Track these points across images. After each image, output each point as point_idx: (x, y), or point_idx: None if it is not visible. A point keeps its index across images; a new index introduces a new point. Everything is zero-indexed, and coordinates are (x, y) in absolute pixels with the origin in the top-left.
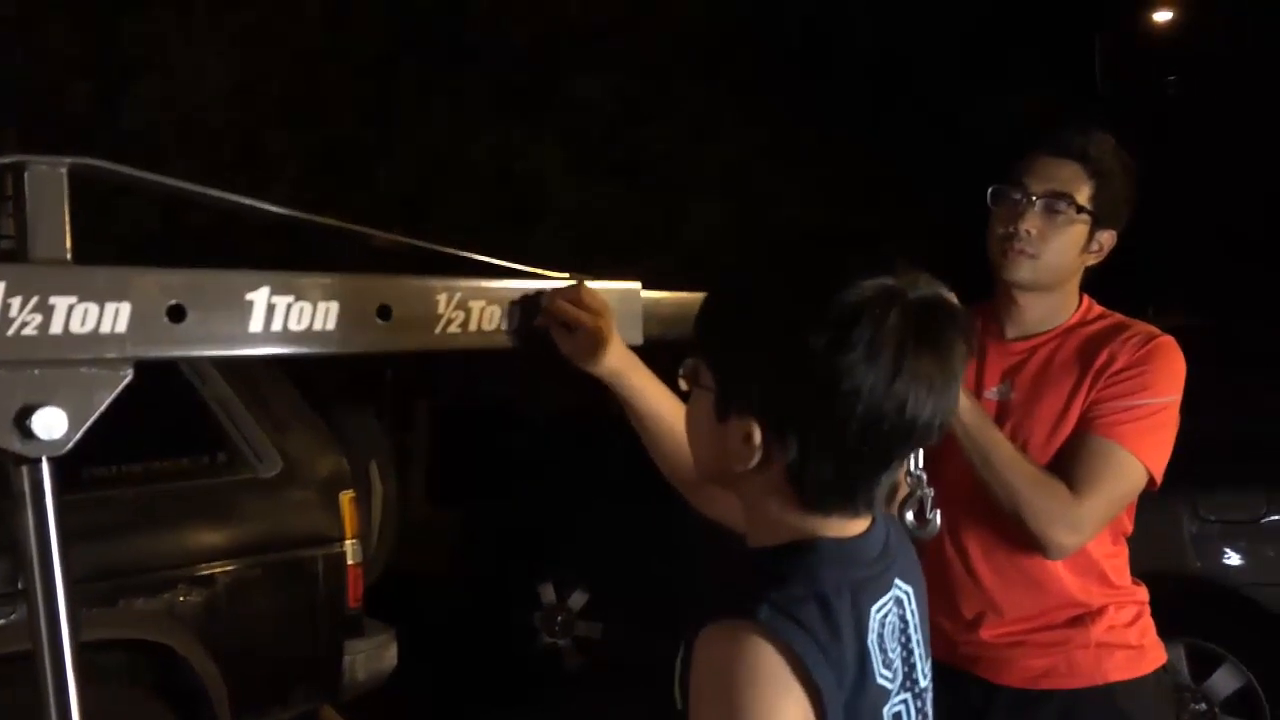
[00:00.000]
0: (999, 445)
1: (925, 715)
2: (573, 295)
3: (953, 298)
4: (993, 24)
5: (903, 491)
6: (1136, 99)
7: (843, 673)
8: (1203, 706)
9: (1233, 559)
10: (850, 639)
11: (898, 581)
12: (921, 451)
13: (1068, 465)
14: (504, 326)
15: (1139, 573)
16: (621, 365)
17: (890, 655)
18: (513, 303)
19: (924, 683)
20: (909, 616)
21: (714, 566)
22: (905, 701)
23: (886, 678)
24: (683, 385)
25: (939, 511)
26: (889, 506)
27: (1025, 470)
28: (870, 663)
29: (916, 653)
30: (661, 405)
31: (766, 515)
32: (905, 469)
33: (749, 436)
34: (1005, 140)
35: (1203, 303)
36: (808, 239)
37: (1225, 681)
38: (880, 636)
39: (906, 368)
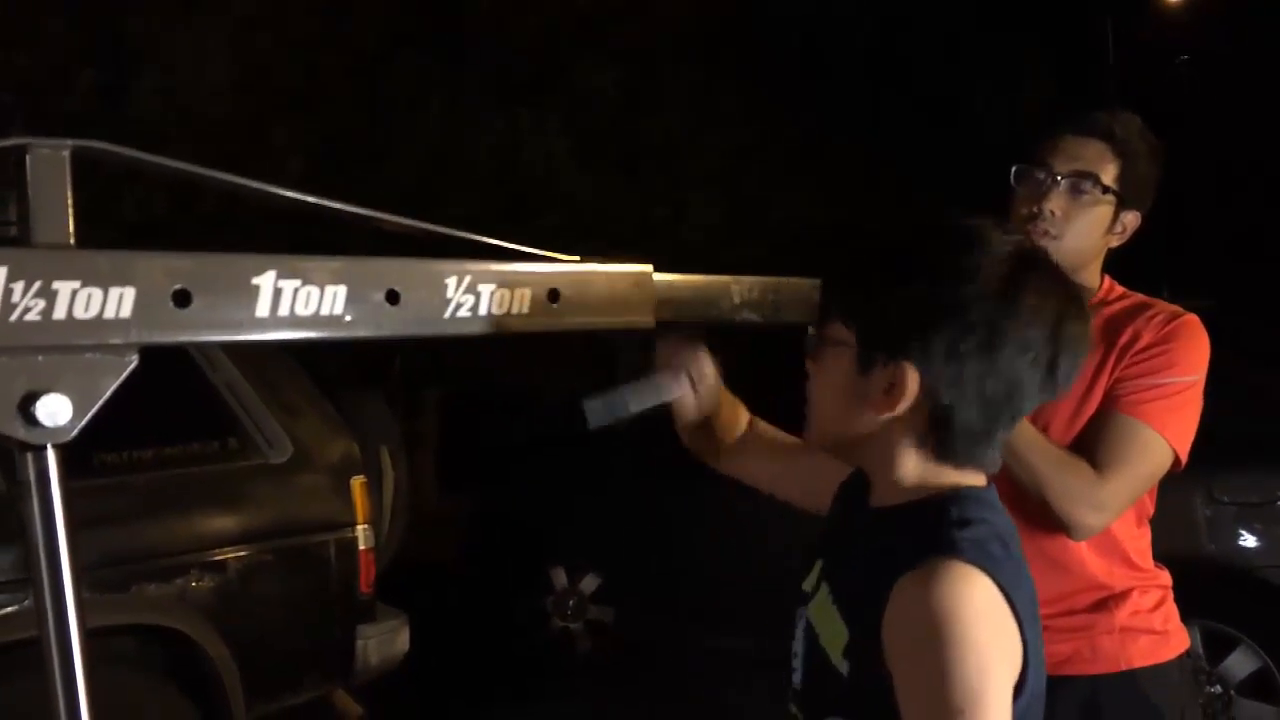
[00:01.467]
0: (1021, 427)
1: None
2: (685, 347)
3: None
4: (997, 12)
5: None
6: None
7: (1032, 612)
8: (1218, 689)
9: (1248, 541)
10: (1028, 584)
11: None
12: None
13: (1092, 444)
14: (514, 310)
15: (1154, 556)
16: (726, 409)
17: None
18: (523, 287)
19: None
20: None
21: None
22: None
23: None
24: (810, 354)
25: None
26: None
27: (1048, 451)
28: (1036, 603)
29: None
30: (739, 426)
31: (904, 470)
32: None
33: (895, 383)
34: (1009, 128)
35: (1217, 286)
36: (919, 214)
37: (1241, 664)
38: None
39: (1062, 321)
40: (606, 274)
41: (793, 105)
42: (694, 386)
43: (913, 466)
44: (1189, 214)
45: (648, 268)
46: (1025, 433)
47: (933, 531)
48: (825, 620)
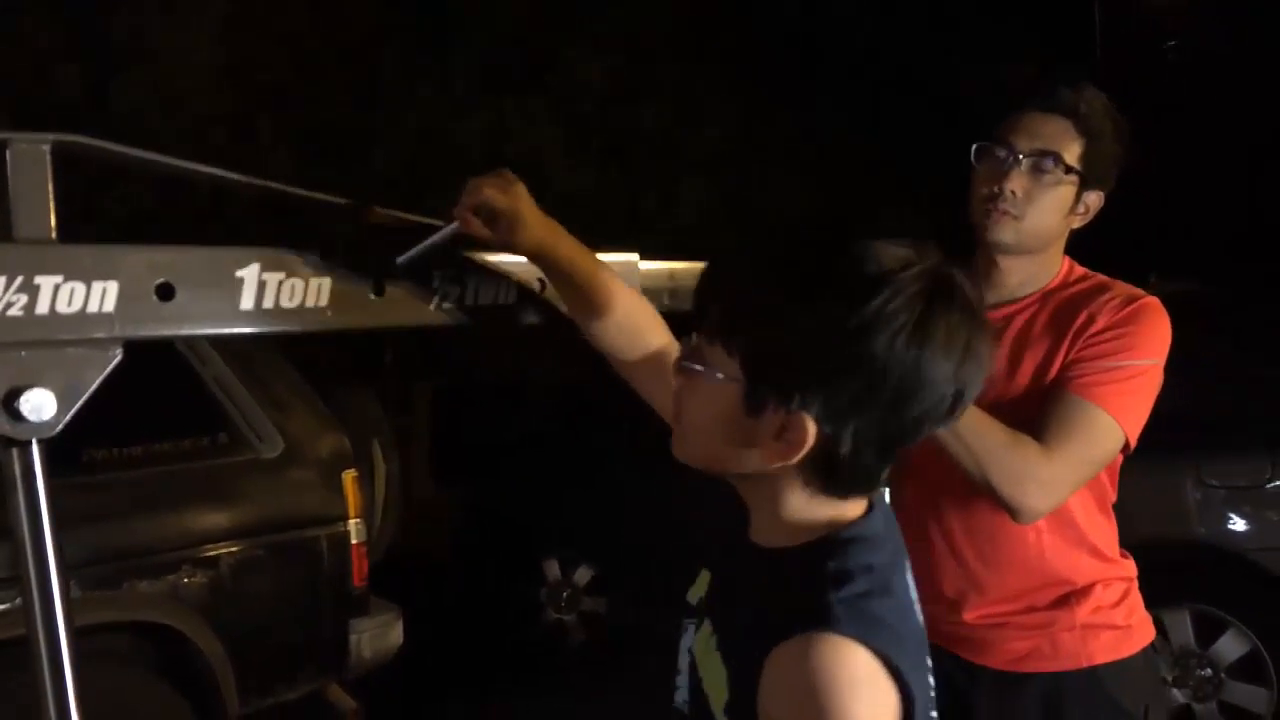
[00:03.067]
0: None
1: None
2: (482, 181)
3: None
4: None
5: None
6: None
7: (920, 653)
8: (1209, 672)
9: (1237, 524)
10: (913, 621)
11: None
12: None
13: (1041, 423)
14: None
15: (1144, 540)
16: (545, 237)
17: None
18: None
19: None
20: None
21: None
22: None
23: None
24: (685, 368)
25: (886, 491)
26: None
27: (992, 433)
28: (924, 640)
29: None
30: (596, 277)
31: (789, 510)
32: None
33: (793, 430)
34: (1000, 116)
35: (1206, 269)
36: (816, 222)
37: (1231, 647)
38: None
39: (969, 354)
40: None
41: (782, 94)
42: (495, 222)
43: (796, 505)
44: (1177, 199)
45: (634, 256)
46: (969, 414)
47: (809, 596)
48: (709, 665)
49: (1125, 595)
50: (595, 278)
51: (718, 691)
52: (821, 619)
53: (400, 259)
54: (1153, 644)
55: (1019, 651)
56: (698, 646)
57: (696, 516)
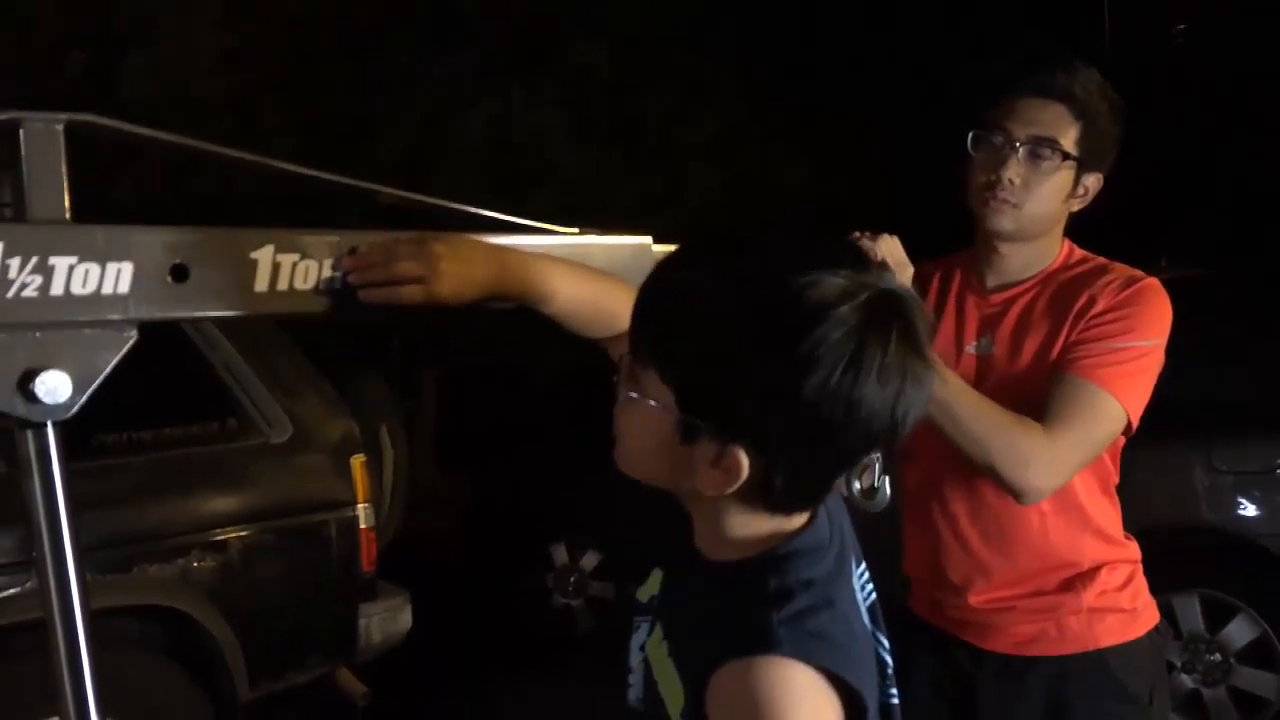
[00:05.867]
0: (962, 394)
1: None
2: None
3: (906, 286)
4: None
5: None
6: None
7: (867, 662)
8: (1218, 657)
9: (1247, 510)
10: (859, 627)
11: (853, 552)
12: None
13: (1043, 405)
14: None
15: (1153, 525)
16: (473, 282)
17: (881, 631)
18: None
19: (863, 611)
20: (869, 584)
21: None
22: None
23: (887, 657)
24: (619, 391)
25: (887, 479)
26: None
27: (993, 416)
28: (879, 648)
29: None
30: (556, 298)
31: (729, 528)
32: None
33: (726, 461)
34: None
35: (1216, 255)
36: (759, 239)
37: (1240, 632)
38: (872, 615)
39: (894, 374)
40: (605, 246)
41: (788, 76)
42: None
43: (738, 523)
44: (1187, 183)
45: (647, 239)
46: (967, 400)
47: (750, 616)
48: (662, 670)
49: (1131, 578)
50: (556, 299)
51: (674, 697)
52: (762, 641)
53: None
54: (1157, 627)
55: (1025, 635)
56: (650, 649)
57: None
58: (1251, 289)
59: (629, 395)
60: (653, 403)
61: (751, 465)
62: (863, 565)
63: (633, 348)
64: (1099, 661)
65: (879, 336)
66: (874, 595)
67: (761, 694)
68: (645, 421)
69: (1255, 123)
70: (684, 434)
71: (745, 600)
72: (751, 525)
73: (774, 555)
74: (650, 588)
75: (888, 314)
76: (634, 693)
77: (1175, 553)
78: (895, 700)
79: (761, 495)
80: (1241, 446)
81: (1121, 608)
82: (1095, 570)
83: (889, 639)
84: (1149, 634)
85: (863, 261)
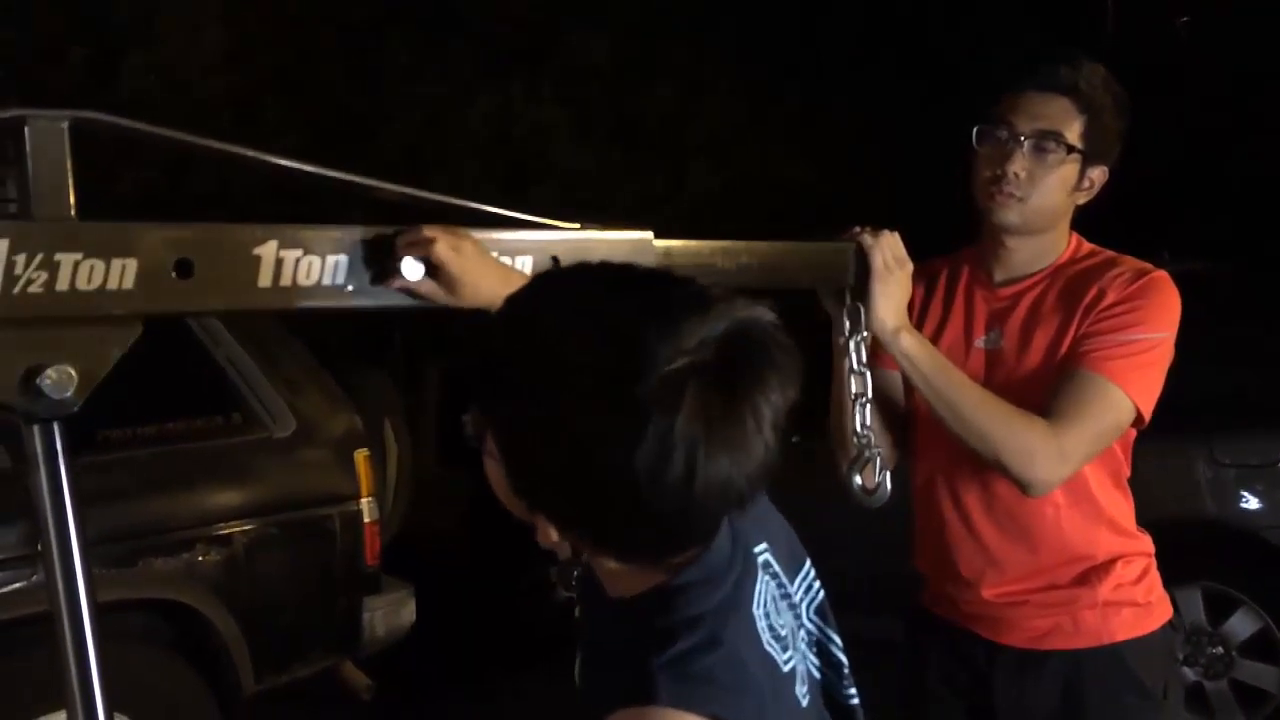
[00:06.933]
0: (964, 388)
1: (816, 638)
2: (432, 233)
3: (766, 314)
4: None
5: (850, 453)
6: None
7: (760, 696)
8: (1220, 650)
9: (1249, 503)
10: (753, 659)
11: (757, 550)
12: (869, 407)
13: (1051, 398)
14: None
15: (1155, 518)
16: (496, 294)
17: (779, 628)
18: (524, 254)
19: (806, 616)
20: (778, 573)
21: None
22: (793, 655)
23: (784, 656)
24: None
25: (888, 474)
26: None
27: (998, 409)
28: (774, 663)
29: (793, 597)
30: None
31: (610, 570)
32: (852, 428)
33: (540, 525)
34: (996, 90)
35: (1219, 248)
36: (602, 305)
37: (1242, 625)
38: (769, 625)
39: (721, 447)
40: (607, 241)
41: (790, 72)
42: (438, 276)
43: (610, 566)
44: (1189, 177)
45: (648, 234)
46: (971, 394)
47: (634, 662)
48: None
49: (1145, 572)
50: None
51: None
52: (643, 692)
53: None
54: (1171, 621)
55: (1040, 629)
56: (577, 671)
57: None
58: (1254, 282)
59: (485, 450)
60: (490, 458)
61: (567, 536)
62: (806, 566)
63: (477, 407)
64: (1114, 655)
65: (701, 404)
66: (821, 595)
67: None
68: (495, 474)
69: (1256, 118)
70: (512, 486)
71: (632, 642)
72: (631, 570)
73: (661, 591)
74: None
75: (723, 369)
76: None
77: (1177, 546)
78: (854, 700)
79: (608, 558)
80: (1243, 440)
81: (1136, 601)
82: (1110, 563)
83: (900, 634)
84: (1162, 628)
85: (709, 305)
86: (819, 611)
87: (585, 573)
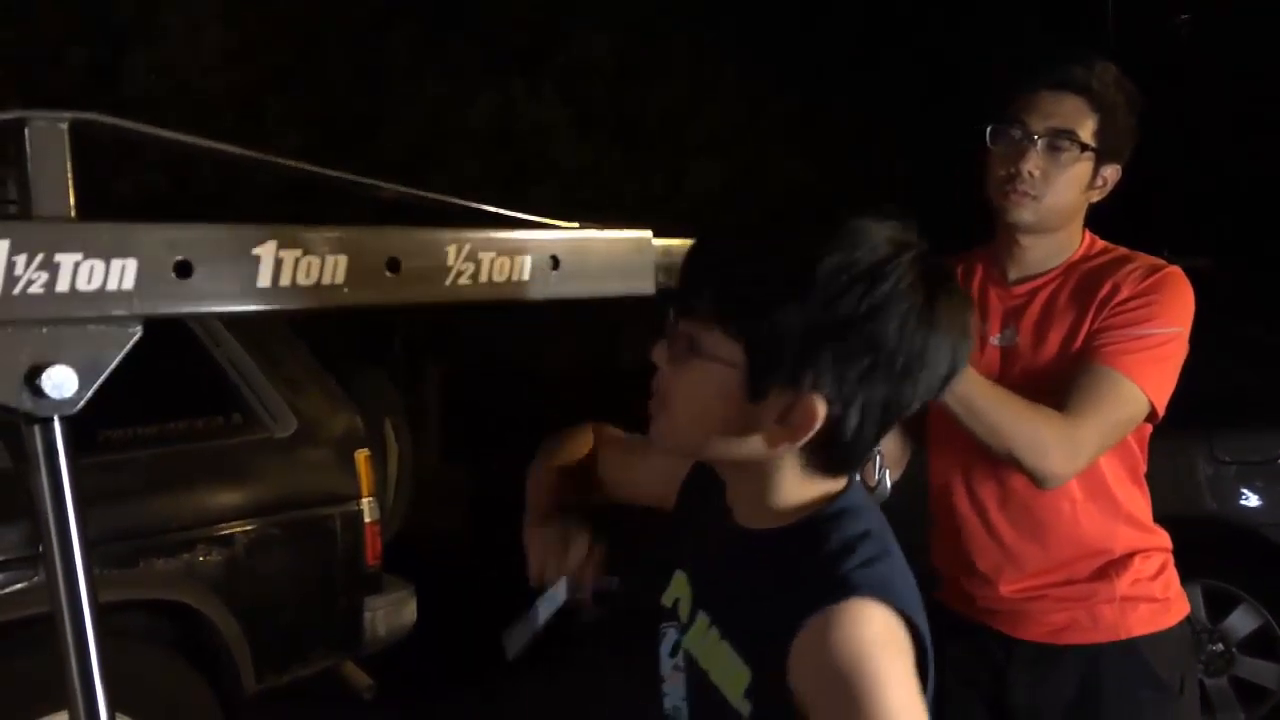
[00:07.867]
0: (977, 385)
1: None
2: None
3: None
4: None
5: None
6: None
7: (922, 608)
8: (1220, 647)
9: (1249, 500)
10: (912, 578)
11: None
12: None
13: (1065, 393)
14: (514, 278)
15: (1156, 516)
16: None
17: None
18: (523, 254)
19: None
20: None
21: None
22: None
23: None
24: (676, 355)
25: (888, 472)
26: None
27: (1011, 404)
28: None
29: None
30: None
31: (782, 492)
32: None
33: (800, 412)
34: (1009, 89)
35: (1219, 245)
36: (809, 203)
37: (1242, 622)
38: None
39: (957, 324)
40: (606, 240)
41: (790, 72)
42: (581, 581)
43: (789, 486)
44: (1189, 174)
45: (647, 233)
46: (983, 388)
47: (824, 567)
48: (714, 656)
49: (1163, 567)
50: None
51: (734, 680)
52: (840, 589)
53: (511, 648)
54: (1188, 616)
55: (1057, 624)
56: (693, 643)
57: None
58: (1254, 278)
59: (689, 359)
60: (718, 361)
61: (825, 415)
62: None
63: (687, 311)
64: (1132, 650)
65: (943, 288)
66: None
67: (854, 639)
68: (705, 384)
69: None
70: (753, 389)
71: (812, 558)
72: (802, 490)
73: (824, 515)
74: (675, 591)
75: (941, 269)
76: (670, 700)
77: (1177, 543)
78: None
79: (823, 451)
80: (1243, 437)
81: (1154, 597)
82: (1128, 558)
83: None
84: (1180, 624)
85: (907, 224)
86: None
87: (700, 534)
